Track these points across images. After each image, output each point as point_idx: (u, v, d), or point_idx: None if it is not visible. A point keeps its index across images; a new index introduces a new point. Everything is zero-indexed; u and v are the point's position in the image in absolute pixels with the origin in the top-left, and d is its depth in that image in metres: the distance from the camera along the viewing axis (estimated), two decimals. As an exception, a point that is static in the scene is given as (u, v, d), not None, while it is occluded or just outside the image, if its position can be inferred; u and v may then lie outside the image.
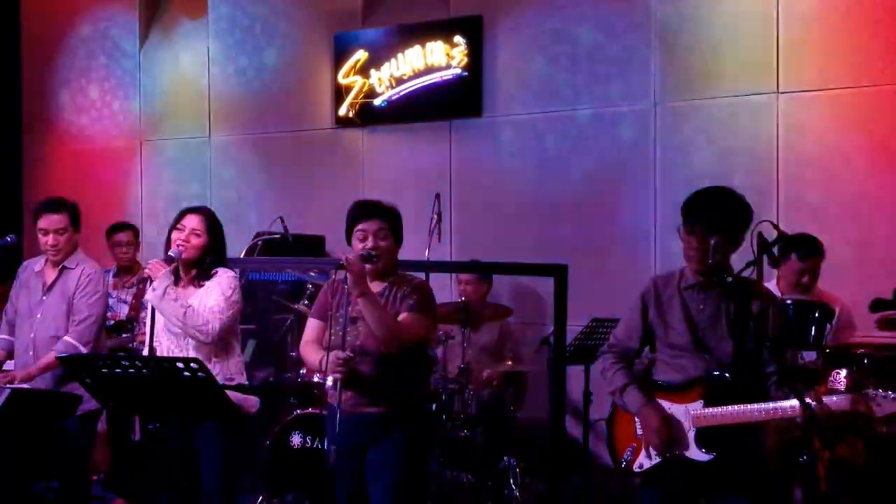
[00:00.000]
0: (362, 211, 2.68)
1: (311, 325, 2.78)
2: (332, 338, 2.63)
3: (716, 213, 2.41)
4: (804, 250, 3.30)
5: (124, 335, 4.32)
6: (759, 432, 2.42)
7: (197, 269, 2.92)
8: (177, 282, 2.92)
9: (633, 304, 2.61)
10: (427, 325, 2.65)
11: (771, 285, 3.35)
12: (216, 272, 2.92)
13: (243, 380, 2.92)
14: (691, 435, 2.40)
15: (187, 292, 2.91)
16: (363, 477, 2.62)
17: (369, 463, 2.61)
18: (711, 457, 2.37)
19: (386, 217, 2.67)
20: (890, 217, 3.88)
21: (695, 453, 2.39)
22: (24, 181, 6.17)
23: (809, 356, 2.89)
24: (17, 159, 6.17)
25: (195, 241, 2.89)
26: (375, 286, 2.67)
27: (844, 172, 4.05)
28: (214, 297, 2.86)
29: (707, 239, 2.39)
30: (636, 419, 2.52)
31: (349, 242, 2.73)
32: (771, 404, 2.31)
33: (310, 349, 2.73)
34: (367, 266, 2.60)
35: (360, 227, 2.66)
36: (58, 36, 6.11)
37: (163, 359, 2.68)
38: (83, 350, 3.27)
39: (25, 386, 3.24)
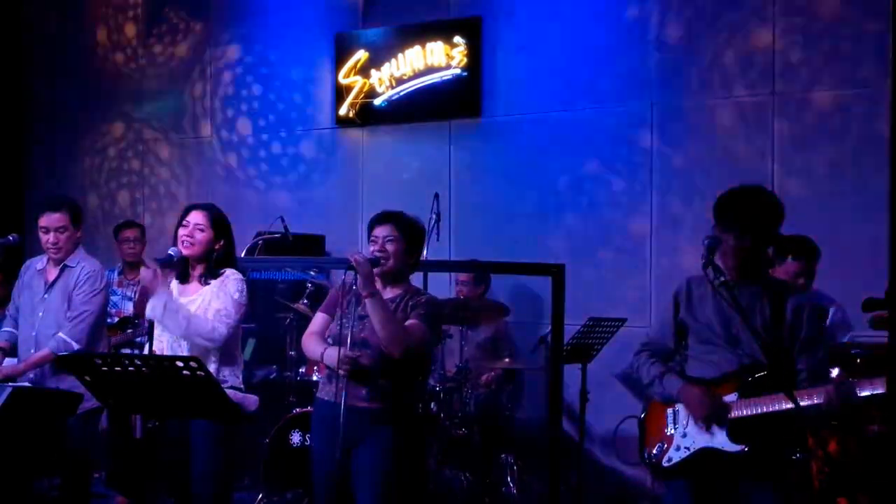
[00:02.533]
0: (376, 218, 2.80)
1: (318, 319, 2.85)
2: (333, 333, 2.69)
3: (749, 212, 2.45)
4: (800, 251, 3.32)
5: (129, 331, 4.35)
6: (788, 424, 2.43)
7: (204, 265, 2.93)
8: (185, 279, 2.95)
9: (666, 303, 2.64)
10: (430, 336, 2.71)
11: None
12: (224, 272, 2.92)
13: (236, 382, 2.92)
14: (723, 427, 2.43)
15: (193, 288, 2.93)
16: (348, 472, 2.65)
17: (356, 464, 2.65)
18: (742, 448, 2.40)
19: (395, 223, 2.75)
20: (883, 218, 3.90)
21: (726, 445, 2.42)
22: (26, 180, 6.20)
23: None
24: (19, 158, 6.20)
25: (199, 236, 2.90)
26: (388, 292, 2.75)
27: (838, 173, 4.07)
28: (222, 299, 2.86)
29: (742, 237, 2.42)
30: (668, 415, 2.54)
31: None
32: (804, 394, 2.32)
33: (312, 340, 2.80)
34: (375, 269, 2.66)
35: (373, 233, 2.77)
36: (60, 34, 6.13)
37: (162, 357, 2.69)
38: (75, 347, 3.28)
39: (27, 384, 3.27)
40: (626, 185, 4.55)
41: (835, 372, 2.37)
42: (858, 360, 2.75)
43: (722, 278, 2.42)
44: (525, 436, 4.21)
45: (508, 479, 3.96)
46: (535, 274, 3.99)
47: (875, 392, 2.28)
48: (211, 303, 2.87)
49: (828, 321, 3.28)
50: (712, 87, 4.35)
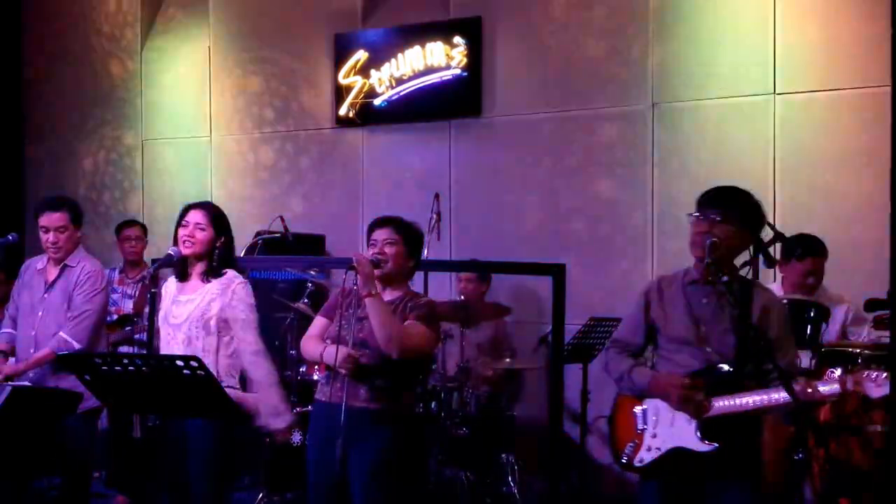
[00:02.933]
0: (374, 222, 2.85)
1: (317, 322, 2.87)
2: (331, 334, 2.71)
3: (728, 204, 2.46)
4: (807, 250, 3.31)
5: (127, 328, 4.35)
6: (758, 422, 2.45)
7: (205, 262, 2.93)
8: (185, 278, 2.95)
9: (636, 301, 2.64)
10: (429, 337, 2.73)
11: (775, 287, 3.37)
12: (226, 274, 2.92)
13: (233, 382, 2.92)
14: (693, 426, 2.43)
15: (193, 286, 2.93)
16: (343, 471, 2.64)
17: (353, 465, 2.65)
18: (713, 447, 2.39)
19: (393, 227, 2.79)
20: (885, 218, 3.90)
21: (697, 444, 2.41)
22: (25, 179, 6.20)
23: (804, 356, 2.91)
24: (18, 157, 6.19)
25: (200, 235, 2.90)
26: (387, 295, 2.78)
27: (840, 173, 4.08)
28: (240, 309, 2.87)
29: (713, 227, 2.43)
30: (637, 414, 2.53)
31: None
32: (772, 394, 2.33)
33: (311, 342, 2.83)
34: (376, 271, 2.70)
35: (372, 236, 2.81)
36: (60, 34, 6.13)
37: (162, 357, 2.69)
38: (76, 346, 3.28)
39: (26, 383, 3.26)
40: (627, 185, 4.55)
41: (837, 372, 2.36)
42: (860, 361, 2.75)
43: (725, 278, 2.42)
44: (526, 435, 4.21)
45: (509, 478, 3.96)
46: (536, 274, 3.99)
47: (833, 392, 2.29)
48: (211, 304, 2.86)
49: (840, 322, 3.27)
50: (712, 86, 4.35)
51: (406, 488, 2.76)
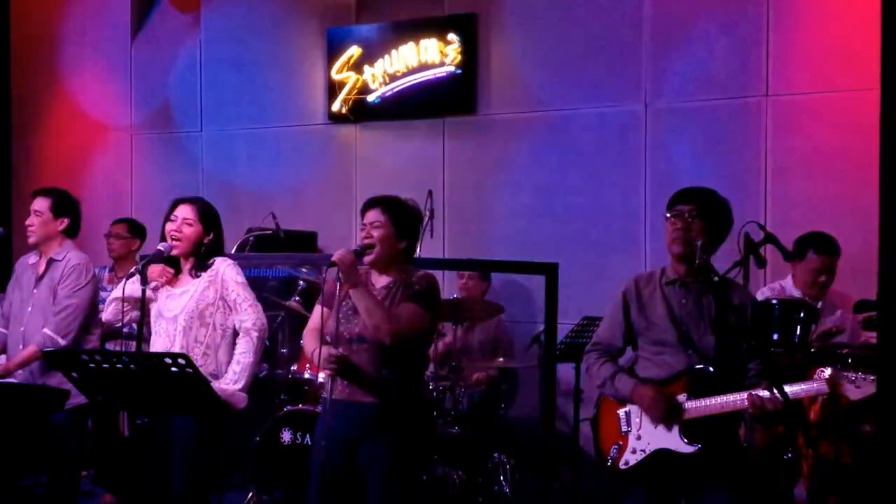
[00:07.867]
0: (365, 204, 2.70)
1: (316, 312, 2.76)
2: (328, 331, 2.65)
3: (701, 201, 2.49)
4: (819, 248, 3.30)
5: (115, 325, 4.31)
6: (740, 423, 2.47)
7: (194, 258, 2.91)
8: (176, 273, 2.93)
9: (616, 303, 2.63)
10: (424, 318, 2.58)
11: (787, 283, 3.38)
12: (214, 262, 2.90)
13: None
14: (676, 428, 2.43)
15: (183, 281, 2.91)
16: (351, 471, 2.61)
17: (364, 460, 2.61)
18: (697, 448, 2.40)
19: (382, 208, 2.64)
20: (875, 220, 3.91)
21: (680, 446, 2.42)
22: (13, 174, 6.14)
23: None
24: (6, 152, 6.13)
25: (187, 230, 2.88)
26: (381, 280, 2.67)
27: (832, 175, 4.09)
28: (231, 288, 2.86)
29: (690, 223, 2.45)
30: (620, 416, 2.54)
31: None
32: (752, 393, 2.34)
33: (310, 337, 2.73)
34: (365, 258, 2.60)
35: (363, 219, 2.69)
36: (49, 27, 6.07)
37: (150, 354, 2.67)
38: (61, 342, 3.25)
39: (13, 380, 3.24)
40: (620, 184, 4.55)
41: (826, 372, 2.37)
42: (850, 360, 2.75)
43: (716, 278, 2.42)
44: (518, 434, 4.21)
45: (501, 477, 3.95)
46: (529, 273, 3.99)
47: (810, 391, 2.32)
48: (205, 293, 2.86)
49: (819, 321, 3.28)
50: (706, 87, 4.35)
51: (419, 481, 2.69)
